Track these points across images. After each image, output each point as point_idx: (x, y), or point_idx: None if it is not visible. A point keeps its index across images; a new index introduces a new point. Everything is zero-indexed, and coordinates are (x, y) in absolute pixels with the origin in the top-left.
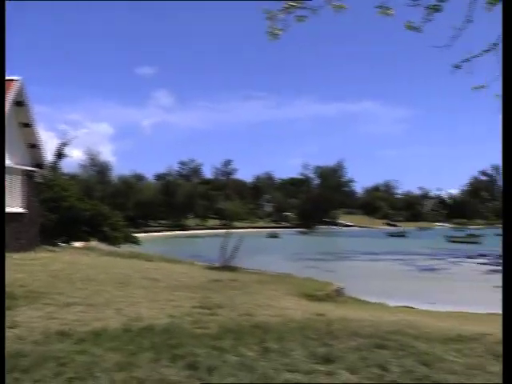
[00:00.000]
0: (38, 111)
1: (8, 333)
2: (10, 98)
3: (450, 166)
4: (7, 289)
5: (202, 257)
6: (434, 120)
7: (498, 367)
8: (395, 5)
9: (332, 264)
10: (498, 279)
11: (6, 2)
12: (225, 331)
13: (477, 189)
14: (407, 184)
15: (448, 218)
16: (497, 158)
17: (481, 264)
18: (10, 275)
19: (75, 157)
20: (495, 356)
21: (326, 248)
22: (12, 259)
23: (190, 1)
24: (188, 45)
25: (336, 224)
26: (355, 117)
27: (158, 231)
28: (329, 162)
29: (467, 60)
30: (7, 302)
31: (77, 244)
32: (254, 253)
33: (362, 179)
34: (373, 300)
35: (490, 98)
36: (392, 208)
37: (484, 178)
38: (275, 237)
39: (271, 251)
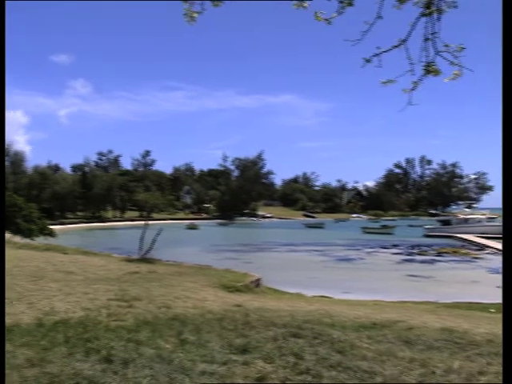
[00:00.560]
0: None
1: None
2: None
3: (367, 158)
4: None
5: (119, 249)
6: (351, 113)
7: (407, 353)
8: None
9: (251, 255)
10: (410, 268)
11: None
12: (142, 323)
13: (391, 181)
14: (325, 176)
15: (364, 209)
16: (410, 152)
17: (394, 254)
18: None
19: None
20: (405, 342)
21: (245, 239)
22: None
23: None
24: (106, 33)
25: (255, 215)
26: (275, 109)
27: (75, 223)
28: (249, 153)
29: (377, 55)
30: None
31: None
32: (172, 244)
33: (281, 171)
34: (290, 290)
35: (399, 92)
36: (310, 200)
37: (398, 170)
38: (194, 228)
39: (190, 243)
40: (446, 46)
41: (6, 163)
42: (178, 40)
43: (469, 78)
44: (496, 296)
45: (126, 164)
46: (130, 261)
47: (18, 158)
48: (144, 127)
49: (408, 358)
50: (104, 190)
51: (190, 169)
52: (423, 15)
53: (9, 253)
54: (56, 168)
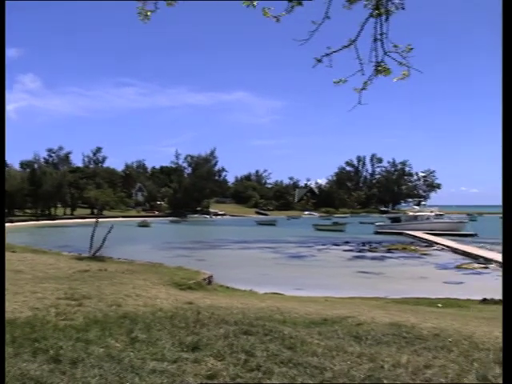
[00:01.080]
0: None
1: None
2: None
3: (319, 156)
4: None
5: (70, 247)
6: (304, 111)
7: (356, 348)
8: None
9: (203, 253)
10: (360, 265)
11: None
12: (91, 322)
13: (342, 179)
14: (278, 174)
15: (316, 207)
16: (362, 150)
17: (345, 251)
18: None
19: None
20: (355, 337)
21: (198, 237)
22: None
23: None
24: (57, 27)
25: (208, 213)
26: (228, 106)
27: (24, 221)
28: (202, 151)
29: (328, 55)
30: None
31: None
32: (124, 242)
33: (234, 169)
34: (242, 287)
35: (351, 91)
36: (263, 197)
37: (349, 168)
38: (146, 226)
39: (142, 240)
40: (395, 46)
41: None
42: (130, 36)
43: (418, 77)
44: (443, 291)
45: (77, 161)
46: (80, 259)
47: None
48: (95, 124)
49: (357, 352)
50: (54, 188)
51: (141, 166)
52: (372, 16)
53: None
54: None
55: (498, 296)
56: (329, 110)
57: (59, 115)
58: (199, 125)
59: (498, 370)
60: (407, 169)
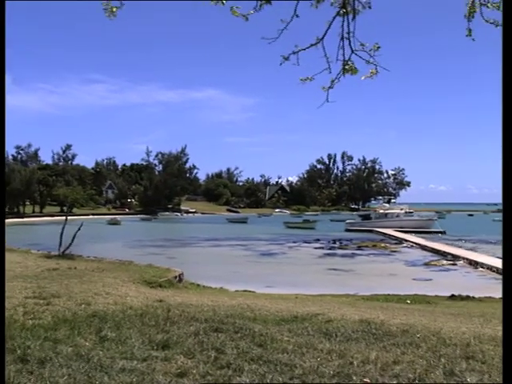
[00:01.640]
0: None
1: None
2: None
3: (291, 154)
4: None
5: (39, 245)
6: (276, 109)
7: (326, 344)
8: None
9: (173, 250)
10: (331, 262)
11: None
12: (60, 321)
13: (313, 176)
14: (250, 171)
15: (287, 204)
16: (334, 147)
17: (316, 248)
18: None
19: None
20: (324, 334)
21: (169, 234)
22: None
23: None
24: (24, 23)
25: (179, 210)
26: (200, 104)
27: None
28: (173, 148)
29: (295, 52)
30: None
31: None
32: (94, 240)
33: (206, 166)
34: (213, 285)
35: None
36: (234, 195)
37: (320, 166)
38: (116, 224)
39: (112, 238)
40: (362, 45)
41: None
42: (99, 31)
43: (388, 75)
44: (412, 288)
45: (46, 158)
46: (49, 257)
47: None
48: (65, 120)
49: (327, 349)
50: (22, 185)
51: (112, 163)
52: (339, 15)
53: None
54: None
55: (466, 292)
56: (300, 108)
57: (28, 112)
58: (170, 122)
59: (465, 365)
60: (377, 167)
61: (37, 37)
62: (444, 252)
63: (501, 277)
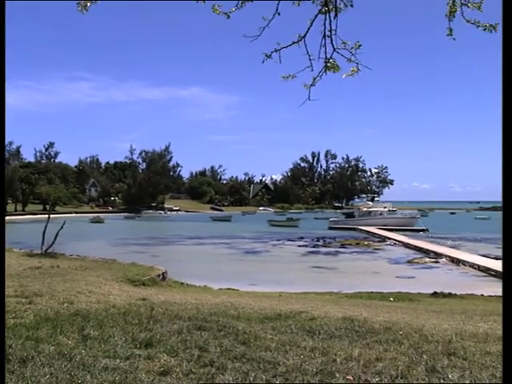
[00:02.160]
0: None
1: None
2: None
3: (275, 152)
4: None
5: (21, 243)
6: (260, 107)
7: (309, 342)
8: None
9: (157, 249)
10: (314, 260)
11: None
12: (42, 320)
13: (297, 175)
14: (234, 169)
15: (271, 202)
16: (318, 146)
17: (300, 246)
18: None
19: None
20: (308, 332)
21: (152, 233)
22: None
23: None
24: (8, 19)
25: (162, 208)
26: (184, 102)
27: None
28: (157, 146)
29: (277, 50)
30: None
31: None
32: (77, 238)
33: (190, 164)
34: (197, 283)
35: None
36: (218, 193)
37: (304, 164)
38: (100, 222)
39: (95, 236)
40: (344, 43)
41: None
42: (84, 29)
43: (370, 74)
44: (395, 285)
45: (29, 156)
46: (31, 256)
47: None
48: (48, 118)
49: (310, 347)
50: (4, 183)
51: (95, 161)
52: (321, 12)
53: None
54: None
55: (448, 289)
56: (283, 106)
57: (11, 109)
58: (154, 120)
59: (446, 362)
60: (361, 165)
61: (21, 34)
62: (427, 250)
63: (482, 274)
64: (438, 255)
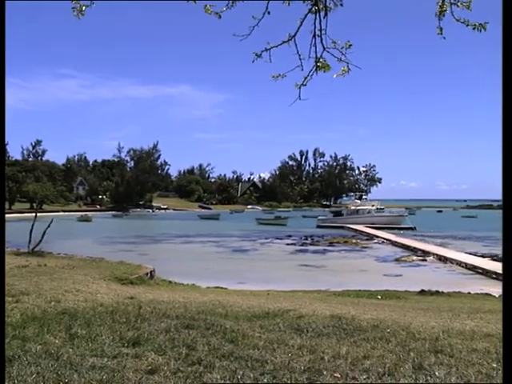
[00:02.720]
0: None
1: None
2: None
3: (263, 150)
4: None
5: (8, 242)
6: (248, 105)
7: (297, 340)
8: None
9: (145, 247)
10: (302, 258)
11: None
12: (29, 319)
13: (285, 173)
14: (221, 168)
15: (259, 200)
16: (306, 144)
17: (288, 244)
18: None
19: None
20: (296, 330)
21: (140, 231)
22: None
23: None
24: None
25: (150, 207)
26: (171, 100)
27: None
28: (145, 144)
29: (267, 49)
30: None
31: None
32: (64, 237)
33: (177, 162)
34: (185, 282)
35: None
36: (206, 191)
37: (292, 162)
38: (87, 220)
39: (83, 235)
40: (334, 42)
41: None
42: (71, 26)
43: (359, 73)
44: (382, 283)
45: (15, 154)
46: (18, 254)
47: None
48: (35, 116)
49: (298, 345)
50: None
51: (83, 159)
52: (311, 12)
53: None
54: None
55: (435, 287)
56: (272, 105)
57: None
58: (142, 118)
59: (433, 359)
60: (349, 163)
61: (7, 31)
62: (414, 248)
63: (469, 272)
64: (425, 253)
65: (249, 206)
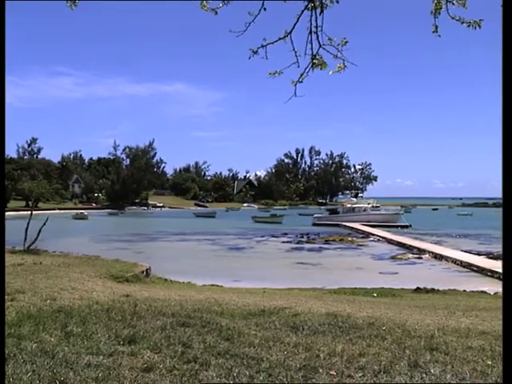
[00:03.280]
0: None
1: None
2: None
3: (259, 148)
4: None
5: None
6: (244, 103)
7: (293, 338)
8: None
9: (141, 245)
10: (298, 256)
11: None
12: (24, 317)
13: (281, 171)
14: (217, 165)
15: (255, 198)
16: (303, 142)
17: (284, 242)
18: None
19: None
20: (291, 328)
21: (136, 229)
22: None
23: None
24: None
25: (146, 205)
26: (167, 98)
27: None
28: (140, 142)
29: (263, 46)
30: None
31: None
32: (60, 235)
33: (173, 160)
34: (181, 279)
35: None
36: (202, 189)
37: (288, 160)
38: (83, 218)
39: (78, 233)
40: (330, 39)
41: None
42: (66, 24)
43: (355, 70)
44: (378, 281)
45: (11, 151)
46: (13, 252)
47: None
48: (31, 113)
49: (293, 342)
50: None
51: (78, 157)
52: (307, 9)
53: None
54: None
55: (431, 285)
56: (268, 102)
57: None
58: (138, 116)
59: (429, 356)
60: (345, 161)
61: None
62: (410, 246)
63: (464, 270)
64: (420, 251)
65: (245, 204)
